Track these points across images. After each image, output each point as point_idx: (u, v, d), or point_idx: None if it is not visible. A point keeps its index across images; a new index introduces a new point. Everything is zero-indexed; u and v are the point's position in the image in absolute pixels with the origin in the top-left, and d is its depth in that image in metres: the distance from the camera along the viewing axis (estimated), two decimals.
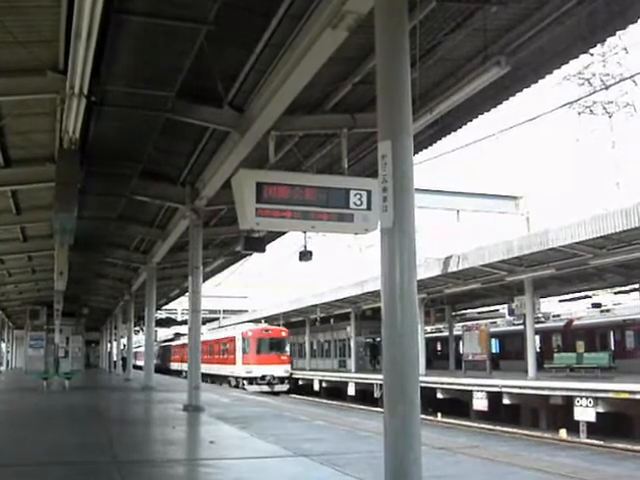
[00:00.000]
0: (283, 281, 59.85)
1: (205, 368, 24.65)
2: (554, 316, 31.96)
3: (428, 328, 34.82)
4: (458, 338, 30.21)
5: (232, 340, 36.30)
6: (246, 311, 53.83)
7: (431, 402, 22.46)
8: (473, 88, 8.08)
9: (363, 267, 34.98)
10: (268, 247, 14.98)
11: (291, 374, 34.83)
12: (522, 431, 17.58)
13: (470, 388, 21.76)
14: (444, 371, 28.37)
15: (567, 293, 29.45)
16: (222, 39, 7.60)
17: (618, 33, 8.48)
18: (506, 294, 26.25)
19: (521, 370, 23.16)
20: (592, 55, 29.44)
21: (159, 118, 9.42)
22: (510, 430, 17.66)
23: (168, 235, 16.71)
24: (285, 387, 33.51)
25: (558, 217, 51.65)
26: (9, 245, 17.66)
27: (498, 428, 18.27)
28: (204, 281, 15.87)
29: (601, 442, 15.43)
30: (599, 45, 15.08)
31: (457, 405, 23.45)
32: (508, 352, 30.42)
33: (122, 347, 39.46)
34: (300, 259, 12.70)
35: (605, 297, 33.54)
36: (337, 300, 30.96)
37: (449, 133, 10.37)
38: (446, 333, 33.67)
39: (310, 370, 36.84)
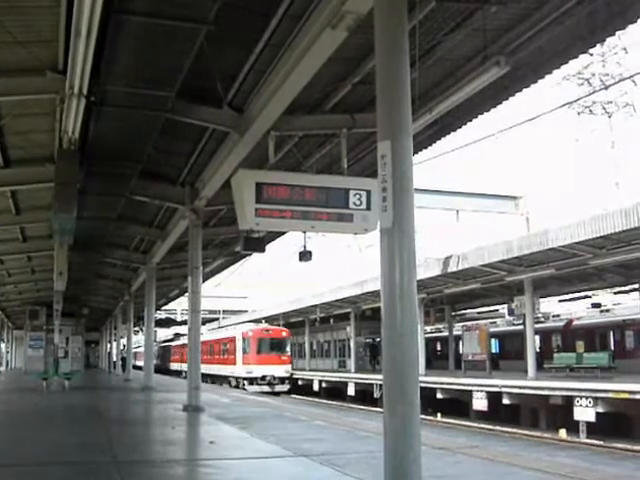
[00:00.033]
0: (283, 281, 59.87)
1: (205, 368, 24.66)
2: (554, 316, 31.97)
3: (428, 328, 34.81)
4: (458, 338, 30.22)
5: (232, 340, 36.22)
6: (246, 311, 53.83)
7: (431, 402, 22.44)
8: (473, 88, 8.08)
9: (363, 267, 35.05)
10: (268, 247, 14.99)
11: (292, 374, 34.78)
12: (522, 431, 17.56)
13: (470, 388, 21.74)
14: (444, 371, 28.36)
15: (567, 293, 29.44)
16: (222, 39, 7.61)
17: (618, 33, 8.48)
18: (506, 294, 26.25)
19: (521, 370, 23.17)
20: (592, 55, 29.58)
21: (159, 118, 9.42)
22: (510, 430, 17.64)
23: (168, 235, 16.71)
24: (286, 387, 33.42)
25: (558, 217, 51.64)
26: (9, 245, 17.66)
27: (498, 428, 18.25)
28: (204, 281, 15.88)
29: (601, 442, 15.42)
30: (599, 45, 15.10)
31: (457, 405, 23.43)
32: (508, 352, 30.42)
33: (122, 347, 39.43)
34: (300, 259, 12.71)
35: (605, 297, 33.54)
36: (337, 300, 30.94)
37: (449, 133, 10.37)
38: (446, 333, 33.65)
39: (310, 370, 36.78)
